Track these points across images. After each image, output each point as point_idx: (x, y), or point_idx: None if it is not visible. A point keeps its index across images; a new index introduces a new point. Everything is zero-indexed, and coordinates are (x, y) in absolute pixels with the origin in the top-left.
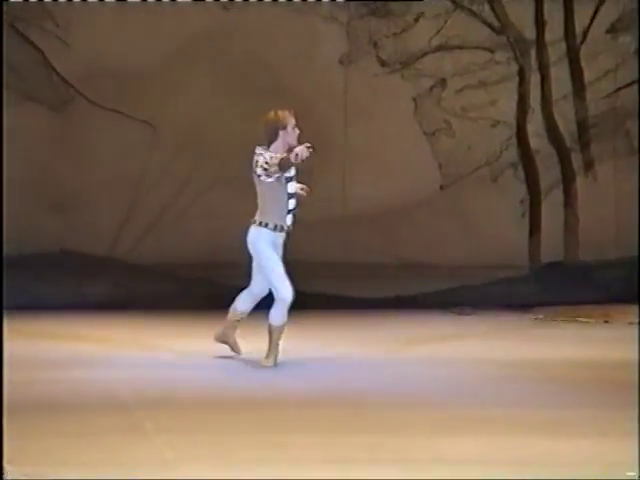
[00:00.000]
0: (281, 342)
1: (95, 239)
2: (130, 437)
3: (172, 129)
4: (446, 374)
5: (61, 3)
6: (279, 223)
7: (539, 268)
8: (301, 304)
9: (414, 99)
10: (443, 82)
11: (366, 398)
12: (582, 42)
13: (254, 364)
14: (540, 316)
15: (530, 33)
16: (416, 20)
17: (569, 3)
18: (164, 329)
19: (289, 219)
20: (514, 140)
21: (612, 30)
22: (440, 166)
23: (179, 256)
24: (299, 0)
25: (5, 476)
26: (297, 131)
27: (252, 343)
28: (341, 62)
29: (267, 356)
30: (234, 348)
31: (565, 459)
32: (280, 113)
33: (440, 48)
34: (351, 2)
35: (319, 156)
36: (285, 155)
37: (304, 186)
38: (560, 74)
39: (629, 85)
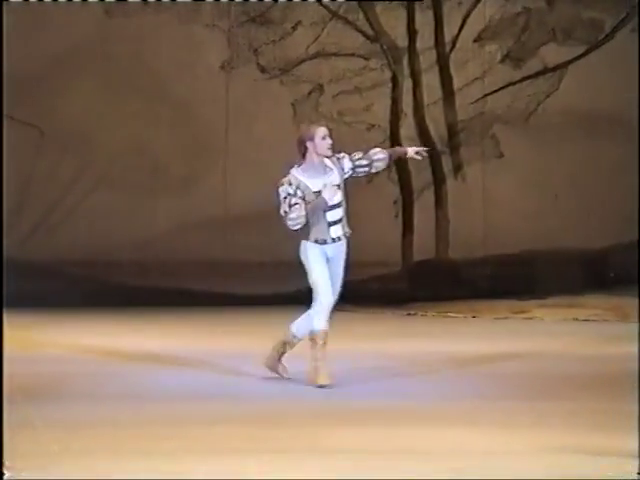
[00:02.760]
0: (285, 353)
1: None
2: (17, 431)
3: (58, 132)
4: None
5: None
6: (319, 237)
7: (411, 266)
8: (187, 301)
9: (293, 104)
10: (320, 88)
11: (243, 391)
12: (451, 50)
13: (141, 358)
14: (412, 312)
15: (402, 41)
16: (294, 28)
17: (439, 13)
18: (51, 326)
19: (334, 231)
20: (388, 143)
21: (479, 39)
22: None
23: (67, 254)
24: (182, 7)
25: (5, 476)
26: (329, 141)
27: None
28: (222, 68)
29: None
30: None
31: (439, 447)
32: (304, 126)
33: (317, 55)
34: (232, 10)
35: (201, 159)
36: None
37: (419, 149)
38: (431, 81)
39: (496, 91)
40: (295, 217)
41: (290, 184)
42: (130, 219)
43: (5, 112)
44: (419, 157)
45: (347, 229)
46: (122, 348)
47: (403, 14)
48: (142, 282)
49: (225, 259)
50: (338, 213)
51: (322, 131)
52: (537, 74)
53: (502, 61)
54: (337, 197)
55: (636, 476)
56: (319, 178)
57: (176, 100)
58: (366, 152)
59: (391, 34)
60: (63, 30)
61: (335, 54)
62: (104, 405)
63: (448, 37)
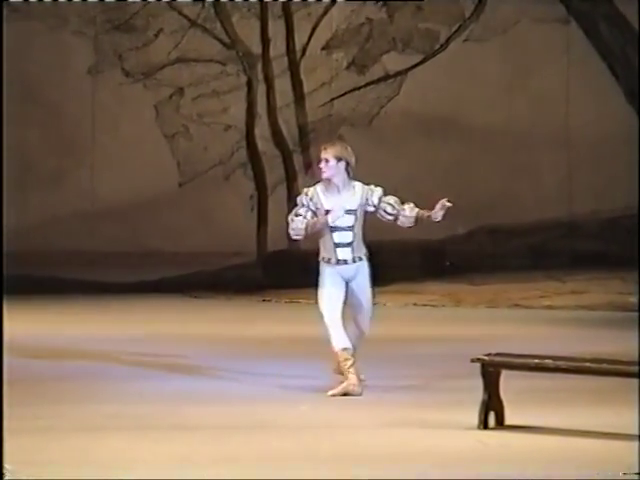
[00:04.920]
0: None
1: None
2: None
3: None
4: (185, 350)
5: None
6: (326, 255)
7: (266, 255)
8: (58, 289)
9: (155, 106)
10: (181, 91)
11: (108, 372)
12: (301, 57)
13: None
14: (267, 298)
15: (257, 48)
16: (156, 35)
17: (290, 22)
18: None
19: (340, 252)
20: (244, 143)
21: (327, 47)
22: (179, 165)
23: None
24: (51, 14)
25: (5, 476)
26: (321, 165)
27: None
28: (89, 72)
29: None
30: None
31: (296, 422)
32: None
33: (178, 61)
34: (97, 18)
35: (70, 156)
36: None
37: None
38: (283, 85)
39: (342, 95)
40: (294, 228)
41: (307, 194)
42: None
43: None
44: (441, 214)
45: (358, 254)
46: None
47: (257, 23)
48: (16, 271)
49: (93, 249)
50: (346, 237)
51: (321, 156)
52: (379, 80)
53: (348, 68)
54: (345, 221)
55: (636, 476)
56: (336, 198)
57: (46, 103)
58: (401, 203)
59: (246, 42)
60: None
61: (194, 60)
62: None
63: (299, 45)
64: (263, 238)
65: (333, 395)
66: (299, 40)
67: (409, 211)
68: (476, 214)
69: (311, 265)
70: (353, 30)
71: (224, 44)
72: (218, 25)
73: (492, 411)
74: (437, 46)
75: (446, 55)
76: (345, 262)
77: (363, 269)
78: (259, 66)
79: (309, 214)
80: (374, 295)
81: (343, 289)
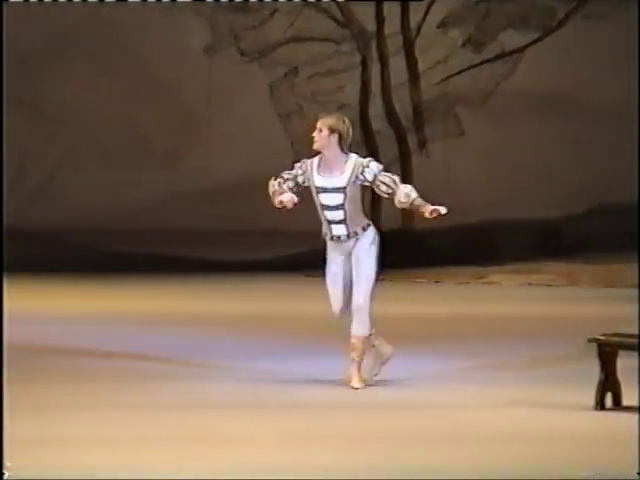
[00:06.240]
0: (364, 358)
1: None
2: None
3: (52, 110)
4: (300, 330)
5: None
6: (325, 231)
7: (380, 234)
8: (175, 267)
9: (270, 85)
10: (295, 70)
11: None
12: (416, 36)
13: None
14: (381, 277)
15: (371, 27)
16: (271, 15)
17: (405, 1)
18: (48, 290)
19: (336, 229)
20: (358, 122)
21: (442, 25)
22: (292, 144)
23: (62, 223)
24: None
25: (5, 476)
26: (314, 134)
27: None
28: (205, 52)
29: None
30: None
31: (417, 402)
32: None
33: (293, 40)
34: None
35: (184, 136)
36: (277, 194)
37: (439, 208)
38: (398, 64)
39: (457, 74)
40: (271, 194)
41: (301, 167)
42: (120, 191)
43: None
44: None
45: (354, 228)
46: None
47: (372, 2)
48: (133, 249)
49: (207, 228)
50: (338, 215)
51: (317, 124)
52: (495, 58)
53: (463, 45)
54: (334, 199)
55: (636, 476)
56: (327, 177)
57: (163, 81)
58: (398, 182)
59: (361, 20)
60: (57, 18)
61: (309, 39)
62: None
63: (413, 23)
64: (377, 217)
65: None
66: (414, 18)
67: (404, 197)
68: (591, 193)
69: (426, 244)
70: (470, 7)
71: (339, 23)
72: (333, 4)
73: (609, 392)
74: (555, 23)
75: (564, 32)
76: (339, 238)
77: (362, 239)
78: (373, 45)
79: (289, 183)
80: (380, 269)
81: (342, 264)
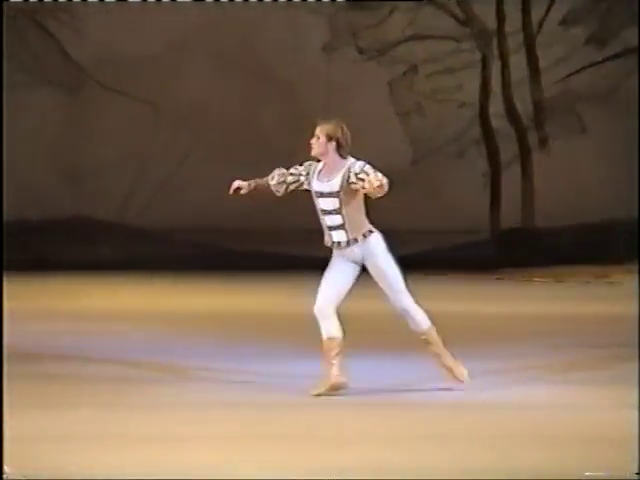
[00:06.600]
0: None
1: (105, 206)
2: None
3: (173, 109)
4: None
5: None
6: (327, 238)
7: (499, 233)
8: (287, 265)
9: (389, 83)
10: (415, 68)
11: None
12: (538, 33)
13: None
14: (501, 277)
15: (492, 25)
16: (391, 13)
17: None
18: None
19: (336, 235)
20: (477, 120)
21: (564, 22)
22: (411, 142)
23: (179, 222)
24: None
25: (5, 476)
26: (311, 141)
27: None
28: (324, 50)
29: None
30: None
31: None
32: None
33: (412, 38)
34: None
35: (303, 134)
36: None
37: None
38: (518, 61)
39: (579, 71)
40: (273, 184)
41: (305, 169)
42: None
43: (125, 92)
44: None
45: (354, 235)
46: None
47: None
48: (247, 247)
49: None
50: (336, 219)
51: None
52: (618, 55)
53: (586, 43)
54: (329, 204)
55: (636, 476)
56: (324, 181)
57: (279, 80)
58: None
59: (481, 18)
60: (177, 17)
61: (429, 37)
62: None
63: (534, 20)
64: (496, 216)
65: (318, 395)
66: (535, 15)
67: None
68: None
69: (546, 243)
70: (592, 4)
71: (459, 20)
72: (453, 2)
73: None
74: None
75: None
76: (339, 244)
77: (373, 250)
78: (494, 42)
79: (289, 177)
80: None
81: (344, 272)
